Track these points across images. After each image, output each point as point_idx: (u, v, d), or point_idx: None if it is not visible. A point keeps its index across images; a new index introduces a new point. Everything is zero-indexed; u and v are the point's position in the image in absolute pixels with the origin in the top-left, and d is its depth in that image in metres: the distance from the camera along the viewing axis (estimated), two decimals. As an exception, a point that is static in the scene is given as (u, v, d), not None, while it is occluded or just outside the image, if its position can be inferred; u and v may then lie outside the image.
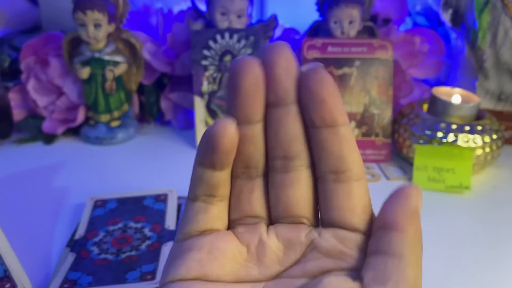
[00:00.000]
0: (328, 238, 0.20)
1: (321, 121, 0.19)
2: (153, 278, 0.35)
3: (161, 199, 0.45)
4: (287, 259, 0.21)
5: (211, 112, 0.59)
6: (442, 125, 0.53)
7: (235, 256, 0.21)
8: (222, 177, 0.21)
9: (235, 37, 0.58)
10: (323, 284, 0.19)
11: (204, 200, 0.21)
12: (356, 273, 0.20)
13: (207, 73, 0.58)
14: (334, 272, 0.20)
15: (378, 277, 0.18)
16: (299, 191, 0.21)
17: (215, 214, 0.21)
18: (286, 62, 0.19)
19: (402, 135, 0.56)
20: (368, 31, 0.61)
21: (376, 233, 0.19)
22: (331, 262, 0.20)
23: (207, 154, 0.20)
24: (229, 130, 0.19)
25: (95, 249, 0.38)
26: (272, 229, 0.21)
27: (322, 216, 0.21)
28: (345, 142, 0.19)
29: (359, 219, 0.20)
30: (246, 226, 0.22)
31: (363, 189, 0.20)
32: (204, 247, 0.20)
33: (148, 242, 0.39)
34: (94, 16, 0.56)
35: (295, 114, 0.20)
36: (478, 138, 0.52)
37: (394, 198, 0.19)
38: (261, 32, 0.59)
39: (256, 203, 0.21)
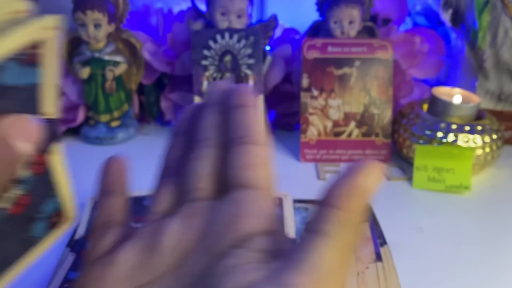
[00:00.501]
0: (223, 207, 0.19)
1: (234, 103, 0.22)
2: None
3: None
4: (186, 240, 0.19)
5: (211, 112, 0.59)
6: (442, 125, 0.53)
7: (131, 258, 0.20)
8: (117, 203, 0.24)
9: (235, 37, 0.58)
10: (226, 280, 0.16)
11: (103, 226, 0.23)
12: (268, 242, 0.18)
13: (207, 73, 0.58)
14: (238, 247, 0.18)
15: (293, 258, 0.16)
16: (201, 164, 0.21)
17: (113, 239, 0.23)
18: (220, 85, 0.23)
19: (402, 135, 0.56)
20: (368, 31, 0.61)
21: (315, 212, 0.18)
22: (227, 229, 0.18)
23: (102, 182, 0.25)
24: (118, 158, 0.25)
25: (95, 249, 0.38)
26: (173, 215, 0.21)
27: (227, 180, 0.20)
28: (254, 116, 0.21)
29: (257, 174, 0.20)
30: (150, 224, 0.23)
31: (265, 153, 0.21)
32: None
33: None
34: (94, 16, 0.56)
35: (215, 110, 0.23)
36: (478, 138, 0.52)
37: (341, 174, 0.18)
38: (261, 32, 0.59)
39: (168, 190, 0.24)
